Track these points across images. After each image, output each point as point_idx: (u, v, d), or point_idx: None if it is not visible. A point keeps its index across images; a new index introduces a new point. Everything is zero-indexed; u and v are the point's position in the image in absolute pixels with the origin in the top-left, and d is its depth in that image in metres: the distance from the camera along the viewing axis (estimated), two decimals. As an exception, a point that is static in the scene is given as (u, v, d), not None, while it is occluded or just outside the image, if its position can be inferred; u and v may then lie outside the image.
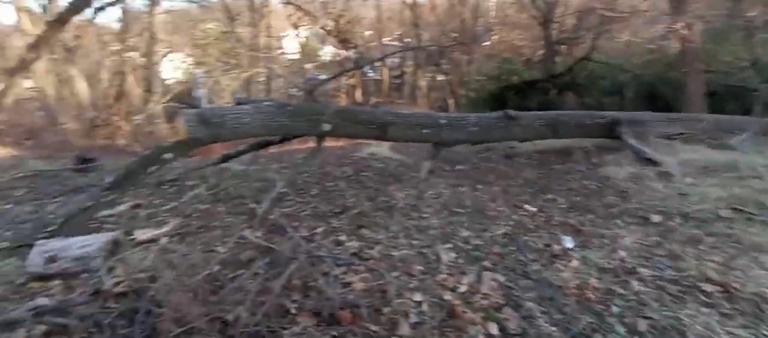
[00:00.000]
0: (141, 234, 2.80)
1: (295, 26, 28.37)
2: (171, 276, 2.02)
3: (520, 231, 2.82)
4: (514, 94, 15.29)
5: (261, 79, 20.47)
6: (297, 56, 31.77)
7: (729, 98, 9.33)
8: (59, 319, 1.77)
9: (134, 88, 9.55)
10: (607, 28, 18.67)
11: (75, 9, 9.09)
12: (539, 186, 4.00)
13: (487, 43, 27.76)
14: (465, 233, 2.71)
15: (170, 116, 11.90)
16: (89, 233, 2.96)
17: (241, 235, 2.75)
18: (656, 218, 2.98)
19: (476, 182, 4.00)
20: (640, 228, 2.81)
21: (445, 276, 2.22)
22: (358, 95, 27.96)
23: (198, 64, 19.95)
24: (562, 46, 19.45)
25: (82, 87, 11.68)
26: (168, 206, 3.50)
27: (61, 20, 8.91)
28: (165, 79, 18.06)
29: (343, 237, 2.67)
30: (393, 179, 4.10)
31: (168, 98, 11.39)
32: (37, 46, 8.90)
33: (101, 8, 10.33)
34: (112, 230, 3.02)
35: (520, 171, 4.55)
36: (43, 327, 1.75)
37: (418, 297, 2.02)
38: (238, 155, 4.44)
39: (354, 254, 2.41)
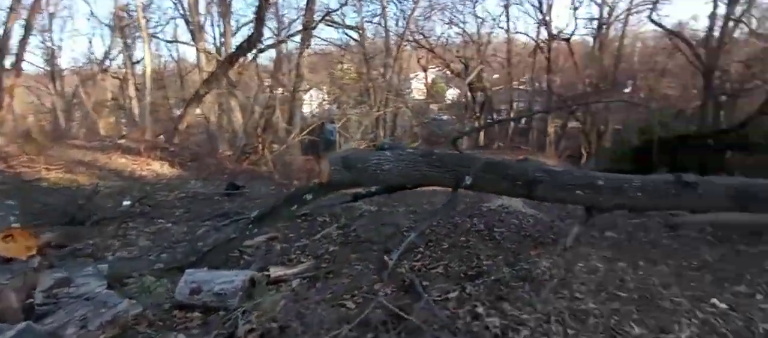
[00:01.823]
0: (275, 271, 2.82)
1: (424, 68, 29.23)
2: (300, 330, 1.91)
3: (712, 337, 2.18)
4: (662, 150, 13.43)
5: (389, 118, 21.27)
6: (423, 97, 32.58)
7: None
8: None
9: (279, 121, 10.52)
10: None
11: (244, 50, 10.45)
12: (725, 273, 3.20)
13: (627, 90, 25.18)
14: (637, 331, 2.18)
15: (305, 149, 12.85)
16: (229, 260, 3.11)
17: (370, 289, 2.60)
18: None
19: (636, 258, 3.35)
20: None
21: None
22: (482, 138, 27.45)
23: (333, 100, 21.56)
24: (725, 98, 16.74)
25: (237, 118, 13.32)
26: (300, 243, 3.57)
27: (231, 59, 10.29)
28: (304, 114, 19.83)
29: (480, 310, 2.34)
30: (531, 241, 3.66)
31: (305, 131, 12.32)
32: (210, 81, 10.38)
33: (263, 49, 11.73)
34: (250, 261, 3.13)
35: (693, 249, 3.74)
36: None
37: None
38: (370, 195, 4.42)
39: (496, 336, 2.06)
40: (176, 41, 17.61)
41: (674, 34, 17.24)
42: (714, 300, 2.61)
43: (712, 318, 2.41)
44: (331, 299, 2.42)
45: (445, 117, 34.39)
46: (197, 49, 14.37)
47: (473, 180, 2.92)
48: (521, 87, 30.97)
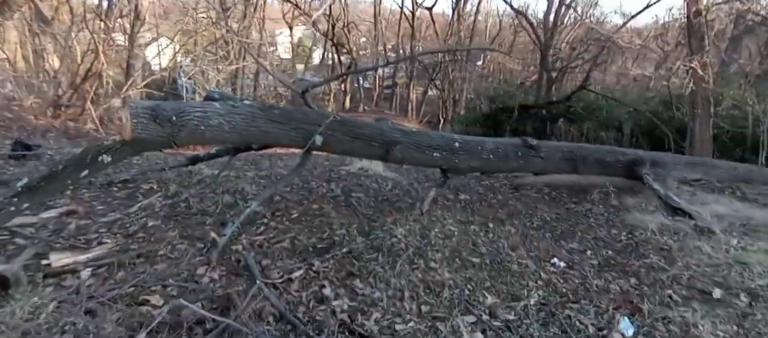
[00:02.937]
0: (58, 259, 2.08)
1: (290, 25, 27.68)
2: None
3: (556, 299, 2.20)
4: (507, 117, 14.91)
5: (249, 75, 19.67)
6: (288, 56, 31.01)
7: (732, 144, 9.02)
8: None
9: (106, 68, 8.71)
10: (604, 60, 18.59)
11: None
12: (560, 231, 3.41)
13: (480, 62, 27.54)
14: (490, 300, 2.07)
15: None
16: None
17: (193, 274, 2.06)
18: (717, 293, 2.40)
19: (487, 220, 3.39)
20: (705, 309, 2.21)
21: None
22: (347, 102, 27.39)
23: (185, 52, 19.05)
24: (557, 74, 19.26)
25: (53, 64, 10.76)
26: (108, 218, 2.79)
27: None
28: (148, 64, 17.12)
29: (328, 291, 2.01)
30: (389, 207, 3.46)
31: (145, 83, 10.52)
32: (0, 10, 8.03)
33: (80, -21, 9.49)
34: (23, 246, 2.30)
35: (532, 208, 3.97)
36: None
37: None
38: (211, 157, 3.74)
39: (343, 324, 1.74)
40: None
41: (519, 13, 18.99)
42: (554, 260, 2.69)
43: (554, 277, 2.46)
44: (132, 294, 1.82)
45: (312, 78, 33.44)
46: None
47: (324, 140, 2.53)
48: (387, 53, 31.58)
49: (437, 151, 3.05)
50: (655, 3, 15.82)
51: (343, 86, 26.76)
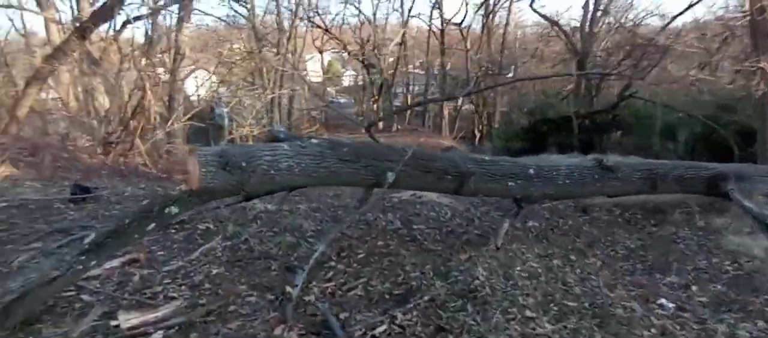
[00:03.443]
0: (126, 320, 1.96)
1: (320, 50, 28.15)
2: None
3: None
4: (548, 129, 14.39)
5: (284, 101, 19.97)
6: (319, 79, 31.46)
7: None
8: None
9: (153, 104, 8.94)
10: (646, 65, 17.75)
11: (100, 18, 8.64)
12: (651, 261, 3.07)
13: (510, 75, 26.92)
14: (609, 359, 1.79)
15: (191, 137, 11.27)
16: (59, 304, 2.15)
17: (270, 335, 1.88)
18: None
19: (567, 251, 3.09)
20: None
21: None
22: (380, 122, 27.39)
23: (222, 82, 19.60)
24: (598, 82, 18.59)
25: (102, 103, 11.19)
26: (171, 266, 2.67)
27: (83, 30, 8.44)
28: (189, 97, 17.70)
29: (420, 351, 1.78)
30: (456, 240, 3.21)
31: (188, 116, 10.77)
32: (55, 56, 8.42)
33: (127, 22, 9.87)
34: (91, 303, 2.20)
35: (610, 234, 3.64)
36: None
37: None
38: (268, 193, 3.61)
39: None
40: (15, 6, 14.33)
41: (553, 23, 18.52)
42: (662, 301, 2.37)
43: (669, 323, 2.14)
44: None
45: (342, 100, 33.76)
46: (45, 19, 11.76)
47: (396, 176, 2.33)
48: (416, 70, 31.63)
49: (512, 180, 2.80)
50: (697, 2, 15.04)
51: (375, 105, 26.83)
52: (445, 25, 24.33)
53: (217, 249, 2.92)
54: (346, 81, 36.53)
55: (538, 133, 14.36)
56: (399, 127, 26.76)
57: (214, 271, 2.58)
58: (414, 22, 28.02)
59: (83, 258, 1.98)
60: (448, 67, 25.60)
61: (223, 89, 19.54)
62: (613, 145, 12.14)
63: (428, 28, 25.80)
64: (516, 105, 19.27)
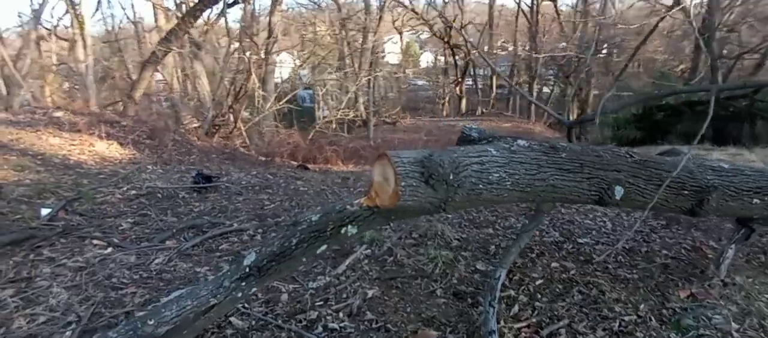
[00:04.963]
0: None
1: (399, 31, 27.53)
2: None
3: None
4: (667, 117, 12.64)
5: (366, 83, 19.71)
6: (397, 61, 30.95)
7: None
8: None
9: (256, 87, 8.99)
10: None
11: (206, 3, 8.77)
12: None
13: (603, 54, 24.28)
14: None
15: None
16: (208, 333, 1.84)
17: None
18: None
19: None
20: None
21: None
22: (464, 105, 26.36)
23: (306, 65, 19.83)
24: (726, 61, 16.15)
25: (204, 84, 11.60)
26: (317, 282, 2.30)
27: (192, 14, 8.62)
28: (276, 80, 18.10)
29: None
30: (646, 263, 2.53)
31: (285, 99, 10.80)
32: (168, 39, 8.68)
33: (230, 4, 10.00)
34: (243, 331, 1.86)
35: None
36: None
37: None
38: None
39: None
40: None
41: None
42: None
43: None
44: None
45: (420, 82, 33.01)
46: (153, 5, 12.39)
47: (625, 192, 1.72)
48: (502, 52, 29.98)
49: (758, 196, 2.05)
50: None
51: (458, 88, 25.79)
52: (539, 2, 22.55)
53: (363, 262, 2.51)
54: (423, 63, 35.67)
55: (654, 121, 12.67)
56: (483, 110, 25.53)
57: (369, 293, 2.16)
58: (500, 1, 26.42)
59: (244, 284, 1.62)
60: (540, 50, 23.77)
61: (305, 71, 19.75)
62: (750, 137, 10.32)
63: (517, 5, 24.13)
64: (629, 88, 17.33)
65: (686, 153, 1.98)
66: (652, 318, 1.93)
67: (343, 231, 1.58)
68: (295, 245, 1.61)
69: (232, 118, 9.20)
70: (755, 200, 2.08)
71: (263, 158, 8.03)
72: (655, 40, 22.05)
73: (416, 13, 21.77)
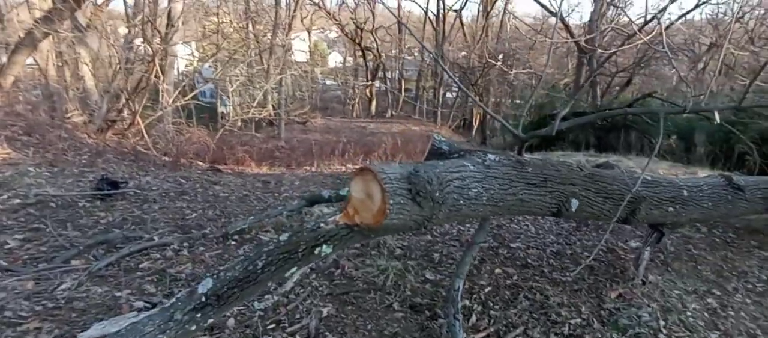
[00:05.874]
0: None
1: (308, 29, 27.13)
2: None
3: None
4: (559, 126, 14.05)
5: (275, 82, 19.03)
6: (303, 60, 30.45)
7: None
8: None
9: (163, 80, 8.13)
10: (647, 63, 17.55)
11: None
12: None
13: (499, 64, 26.44)
14: None
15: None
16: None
17: None
18: None
19: (710, 283, 2.68)
20: None
21: None
22: (374, 107, 26.76)
23: (207, 58, 18.60)
24: (601, 77, 18.41)
25: (86, 73, 10.20)
26: (265, 302, 2.11)
27: (78, -7, 7.52)
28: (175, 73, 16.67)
29: None
30: (574, 265, 2.75)
31: (191, 95, 9.93)
32: (49, 19, 7.46)
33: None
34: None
35: (745, 259, 3.24)
36: None
37: None
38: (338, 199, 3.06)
39: None
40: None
41: (554, 15, 18.14)
42: None
43: None
44: None
45: (328, 82, 32.83)
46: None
47: (579, 204, 1.83)
48: (409, 57, 31.02)
49: (672, 204, 2.34)
50: (704, 3, 14.87)
51: (368, 91, 26.09)
52: (445, 11, 23.71)
53: (310, 276, 2.36)
54: (331, 63, 35.50)
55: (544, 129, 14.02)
56: (393, 113, 26.16)
57: (324, 311, 2.04)
58: (408, 7, 27.35)
59: (199, 315, 1.41)
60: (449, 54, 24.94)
61: (206, 64, 18.44)
62: (626, 146, 11.93)
63: (424, 12, 25.20)
64: (523, 98, 18.94)
65: (607, 162, 2.17)
66: (594, 321, 2.09)
67: (316, 252, 1.46)
68: (261, 268, 1.45)
69: (128, 113, 8.22)
70: (670, 208, 2.36)
71: (167, 159, 7.29)
72: (544, 54, 24.40)
73: (329, 13, 21.56)
